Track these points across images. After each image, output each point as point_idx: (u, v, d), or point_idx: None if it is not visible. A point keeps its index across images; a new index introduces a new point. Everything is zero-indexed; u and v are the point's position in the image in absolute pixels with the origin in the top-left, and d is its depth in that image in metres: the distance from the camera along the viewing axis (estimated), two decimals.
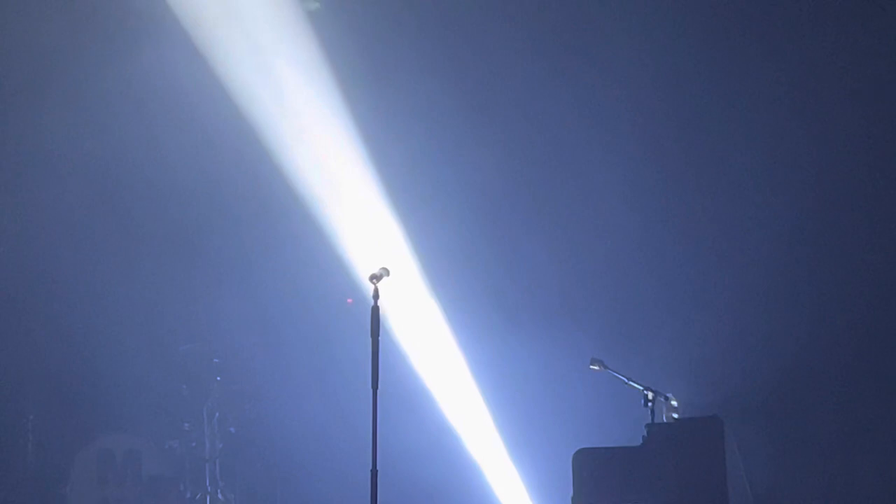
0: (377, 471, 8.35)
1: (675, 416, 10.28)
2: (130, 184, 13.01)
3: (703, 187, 12.92)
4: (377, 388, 8.43)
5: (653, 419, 10.07)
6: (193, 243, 13.21)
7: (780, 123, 12.67)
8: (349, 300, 12.81)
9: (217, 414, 13.11)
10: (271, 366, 13.34)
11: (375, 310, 8.53)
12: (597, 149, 12.99)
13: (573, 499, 9.73)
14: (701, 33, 12.78)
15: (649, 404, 10.17)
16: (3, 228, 12.92)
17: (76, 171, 12.90)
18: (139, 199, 13.09)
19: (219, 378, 13.12)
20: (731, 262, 12.93)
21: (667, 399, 10.27)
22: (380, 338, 8.53)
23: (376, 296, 8.57)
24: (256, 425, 13.33)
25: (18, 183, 12.90)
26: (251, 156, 12.84)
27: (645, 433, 9.82)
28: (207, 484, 12.94)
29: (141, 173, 12.96)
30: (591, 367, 10.76)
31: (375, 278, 8.62)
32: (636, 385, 10.33)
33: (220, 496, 12.92)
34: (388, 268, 8.77)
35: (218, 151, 12.85)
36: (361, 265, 12.44)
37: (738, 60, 12.74)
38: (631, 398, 10.37)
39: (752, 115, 12.76)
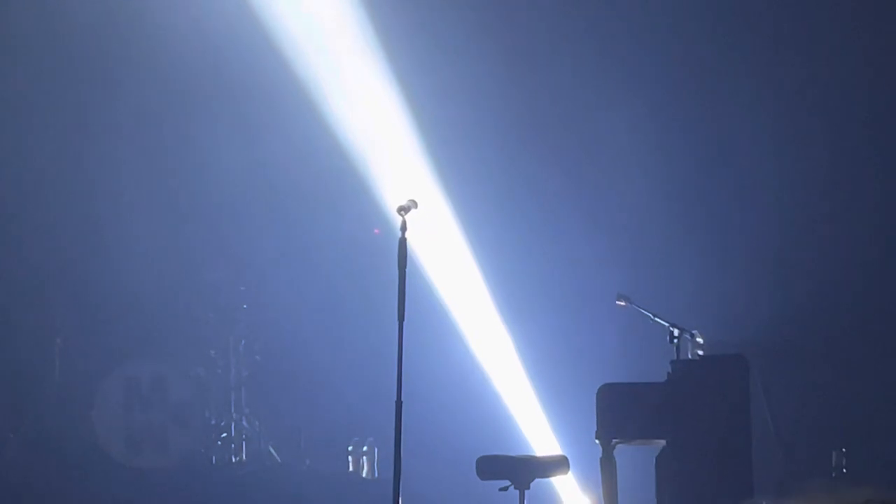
0: (402, 402, 8.36)
1: (701, 353, 10.27)
2: (162, 116, 13.05)
3: (731, 127, 12.87)
4: (403, 319, 8.42)
5: (678, 355, 10.06)
6: (223, 173, 13.23)
7: (803, 66, 12.64)
8: (376, 230, 12.81)
9: (243, 341, 13.17)
10: (298, 294, 13.37)
11: (403, 242, 8.51)
12: (624, 85, 12.94)
13: (596, 433, 9.75)
14: None
15: (675, 341, 10.15)
16: (34, 166, 12.98)
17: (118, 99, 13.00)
18: (169, 134, 13.11)
19: (245, 306, 13.17)
20: (758, 200, 12.90)
21: (692, 336, 10.25)
22: (406, 270, 8.52)
23: (404, 228, 8.54)
24: (282, 353, 13.40)
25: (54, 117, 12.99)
26: (284, 90, 12.83)
27: (670, 369, 9.82)
28: (232, 411, 13.03)
29: (177, 109, 13.00)
30: (618, 302, 10.75)
31: (403, 210, 8.59)
32: (662, 321, 10.31)
33: (244, 423, 13.01)
34: (416, 200, 8.74)
35: (251, 85, 12.86)
36: (390, 197, 12.43)
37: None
38: (656, 334, 10.37)
39: (774, 58, 12.74)
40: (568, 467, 8.96)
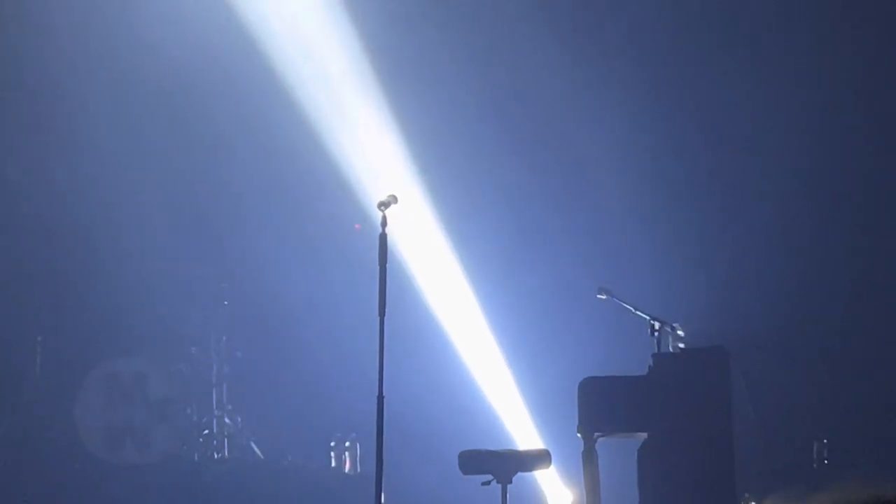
0: (384, 397, 8.39)
1: (681, 345, 10.28)
2: (145, 116, 13.04)
3: (713, 119, 12.90)
4: (384, 315, 8.45)
5: (659, 348, 10.07)
6: (204, 169, 13.23)
7: (793, 53, 12.66)
8: (357, 226, 12.81)
9: (224, 338, 13.16)
10: (279, 290, 13.36)
11: (383, 237, 8.54)
12: (604, 80, 12.96)
13: (578, 427, 9.76)
14: None
15: (655, 334, 10.15)
16: (18, 163, 12.98)
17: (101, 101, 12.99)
18: (152, 134, 13.10)
19: (226, 302, 13.16)
20: (739, 191, 12.92)
21: (673, 329, 10.26)
22: (387, 265, 8.54)
23: (384, 223, 8.56)
24: (263, 350, 13.39)
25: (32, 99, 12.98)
26: (260, 82, 12.83)
27: (650, 362, 9.83)
28: (214, 407, 13.02)
29: (161, 110, 13.01)
30: (599, 295, 10.75)
31: (384, 206, 8.61)
32: (643, 314, 10.32)
33: (226, 420, 13.00)
34: (397, 195, 8.76)
35: (227, 78, 12.86)
36: (370, 192, 12.43)
37: None
38: (637, 327, 10.38)
39: (759, 47, 12.77)
40: (550, 461, 8.97)
